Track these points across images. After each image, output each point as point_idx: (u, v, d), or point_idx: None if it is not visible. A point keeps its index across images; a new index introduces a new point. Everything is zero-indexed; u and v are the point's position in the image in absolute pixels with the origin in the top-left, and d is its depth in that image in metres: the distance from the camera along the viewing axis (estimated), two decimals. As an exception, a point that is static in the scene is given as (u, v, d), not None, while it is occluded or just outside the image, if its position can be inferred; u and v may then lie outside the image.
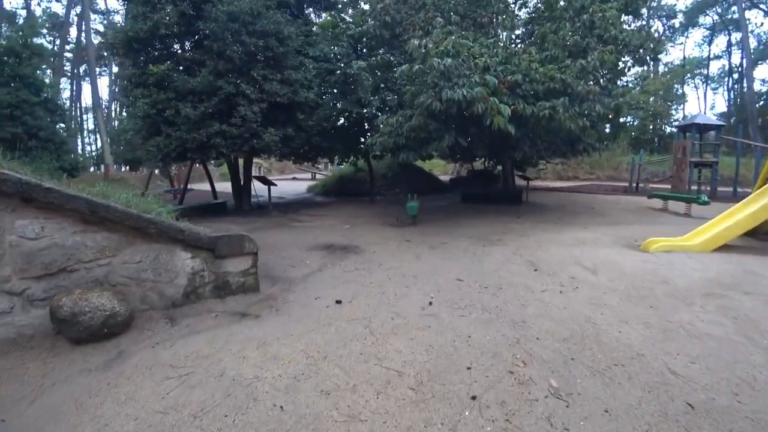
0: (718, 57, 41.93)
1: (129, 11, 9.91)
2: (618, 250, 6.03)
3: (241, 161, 12.89)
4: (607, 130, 10.72)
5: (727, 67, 41.09)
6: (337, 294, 4.38)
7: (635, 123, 30.61)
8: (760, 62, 35.69)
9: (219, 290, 4.27)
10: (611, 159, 25.32)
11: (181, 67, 9.81)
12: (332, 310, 3.96)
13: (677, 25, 39.82)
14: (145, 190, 16.04)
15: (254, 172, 36.53)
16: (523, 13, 13.88)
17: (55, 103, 19.26)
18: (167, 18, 9.12)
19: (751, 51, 32.58)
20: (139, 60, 9.66)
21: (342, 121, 14.20)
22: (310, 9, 12.73)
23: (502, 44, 9.40)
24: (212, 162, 17.52)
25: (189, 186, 18.46)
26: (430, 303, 4.05)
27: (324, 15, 13.80)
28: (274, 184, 12.47)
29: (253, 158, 13.04)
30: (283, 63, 9.94)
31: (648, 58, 10.48)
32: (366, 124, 12.96)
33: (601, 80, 8.68)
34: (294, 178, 32.32)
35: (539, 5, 13.08)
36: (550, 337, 3.28)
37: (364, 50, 12.49)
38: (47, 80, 19.45)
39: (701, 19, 39.99)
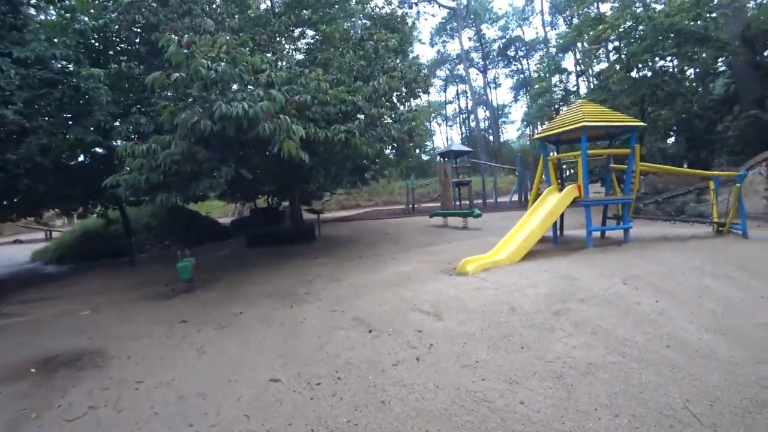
0: (450, 102, 53.23)
1: None
2: (445, 280, 5.47)
3: None
4: (391, 157, 10.89)
5: (458, 109, 52.51)
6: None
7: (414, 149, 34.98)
8: (478, 106, 46.63)
9: None
10: (386, 185, 27.66)
11: None
12: None
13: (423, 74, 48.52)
14: None
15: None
16: (302, 44, 13.39)
17: None
18: None
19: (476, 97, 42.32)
20: None
21: (81, 157, 10.43)
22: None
23: (285, 64, 8.31)
24: None
25: None
26: (237, 455, 2.27)
27: (52, 14, 9.79)
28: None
29: None
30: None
31: (419, 91, 11.20)
32: (115, 159, 9.76)
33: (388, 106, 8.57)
34: (17, 241, 23.49)
35: (317, 36, 12.78)
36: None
37: (106, 59, 9.37)
38: None
39: (438, 72, 49.71)
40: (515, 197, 21.06)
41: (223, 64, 5.20)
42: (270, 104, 5.43)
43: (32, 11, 9.19)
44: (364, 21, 14.12)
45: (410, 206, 20.41)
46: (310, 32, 13.33)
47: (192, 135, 5.39)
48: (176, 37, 5.25)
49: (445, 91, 52.41)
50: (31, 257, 14.09)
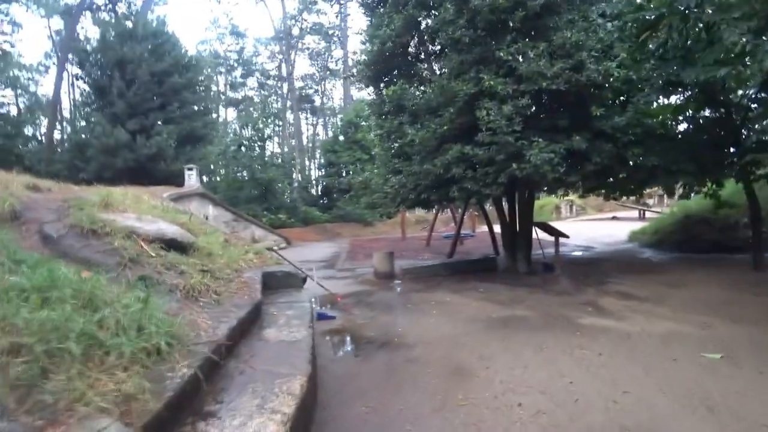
0: None
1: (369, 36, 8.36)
2: None
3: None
4: None
5: None
6: None
7: None
8: None
9: None
10: None
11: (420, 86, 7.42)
12: None
13: None
14: (429, 235, 14.55)
15: (565, 211, 30.49)
16: None
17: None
18: (392, 28, 6.90)
19: None
20: (378, 87, 7.91)
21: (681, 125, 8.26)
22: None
23: None
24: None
25: (475, 230, 15.94)
26: None
27: None
28: (564, 235, 8.04)
29: (533, 193, 9.00)
30: (547, 23, 5.87)
31: None
32: (736, 117, 6.80)
33: None
34: (614, 218, 25.02)
35: None
36: None
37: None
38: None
39: None
40: None
41: None
42: None
43: None
44: None
45: None
46: None
47: None
48: None
49: None
50: (628, 237, 13.62)
